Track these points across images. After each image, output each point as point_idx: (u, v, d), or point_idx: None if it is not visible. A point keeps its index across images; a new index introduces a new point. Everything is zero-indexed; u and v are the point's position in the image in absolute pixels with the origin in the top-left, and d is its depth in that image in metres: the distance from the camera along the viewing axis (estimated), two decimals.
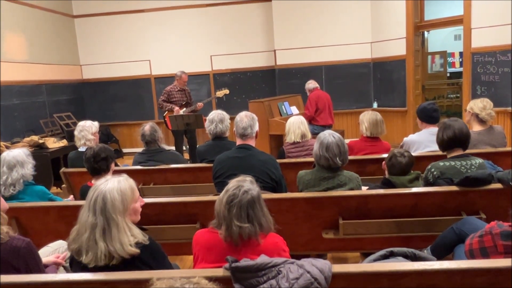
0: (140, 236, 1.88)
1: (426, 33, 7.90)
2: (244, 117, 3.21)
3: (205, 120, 4.09)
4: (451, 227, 2.48)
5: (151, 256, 1.89)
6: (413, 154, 3.20)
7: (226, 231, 1.91)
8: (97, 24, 9.17)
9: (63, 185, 4.18)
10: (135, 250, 1.82)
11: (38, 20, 7.80)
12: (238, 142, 3.23)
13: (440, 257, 2.53)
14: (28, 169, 3.11)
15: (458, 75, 9.40)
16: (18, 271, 2.06)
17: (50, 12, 8.24)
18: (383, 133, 4.05)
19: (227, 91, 7.38)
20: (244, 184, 1.96)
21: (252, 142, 3.21)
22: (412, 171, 2.97)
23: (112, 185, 1.88)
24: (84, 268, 1.85)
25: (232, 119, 3.61)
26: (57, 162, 6.24)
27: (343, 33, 8.49)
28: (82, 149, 4.08)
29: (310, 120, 6.59)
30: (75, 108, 8.67)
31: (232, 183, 1.98)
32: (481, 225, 2.34)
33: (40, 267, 2.15)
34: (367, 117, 4.01)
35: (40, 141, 6.21)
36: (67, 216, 2.93)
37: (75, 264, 1.93)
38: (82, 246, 1.82)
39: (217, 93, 7.44)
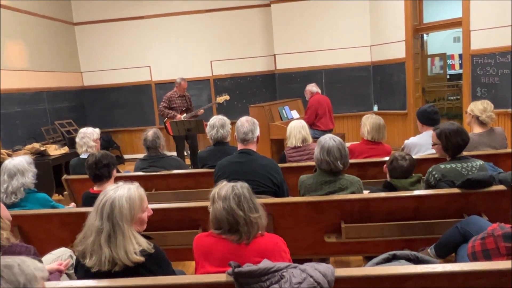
0: (145, 244, 1.88)
1: (425, 35, 7.92)
2: (245, 122, 3.22)
3: (206, 125, 4.10)
4: (455, 226, 2.48)
5: (155, 264, 1.90)
6: (414, 156, 3.20)
7: (244, 227, 1.94)
8: (97, 31, 9.21)
9: (65, 192, 4.19)
10: (139, 258, 1.82)
11: (38, 28, 7.84)
12: (239, 147, 3.24)
13: (443, 256, 2.53)
14: (29, 178, 3.11)
15: (458, 77, 9.41)
16: None
17: (50, 20, 8.28)
18: (383, 139, 4.04)
19: (227, 97, 7.39)
20: (232, 184, 2.04)
21: (253, 147, 3.22)
22: (413, 174, 2.98)
23: (122, 192, 1.88)
24: (87, 272, 1.86)
25: (233, 124, 3.62)
26: (59, 169, 6.25)
27: (342, 37, 8.52)
28: (83, 156, 4.09)
29: (311, 125, 6.59)
30: (76, 115, 8.69)
31: (224, 190, 2.01)
32: (485, 224, 2.34)
33: None
34: (370, 121, 3.99)
35: (42, 149, 6.22)
36: (69, 223, 2.94)
37: (80, 268, 1.93)
38: (87, 249, 1.83)
39: (217, 98, 7.46)
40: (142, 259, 1.83)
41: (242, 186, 2.02)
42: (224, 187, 2.03)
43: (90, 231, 1.85)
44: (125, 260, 1.80)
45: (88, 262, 1.83)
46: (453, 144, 2.92)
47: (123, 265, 1.81)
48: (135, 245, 1.84)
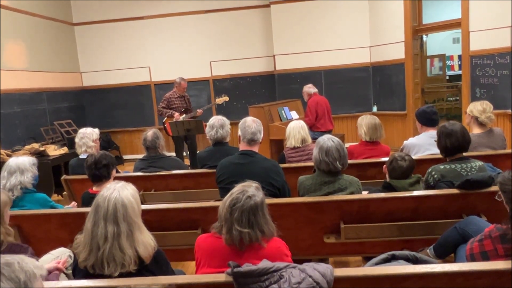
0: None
1: (424, 36, 7.93)
2: (252, 123, 3.16)
3: (205, 125, 4.09)
4: (454, 227, 2.48)
5: (155, 264, 1.91)
6: (413, 157, 3.20)
7: (227, 234, 1.92)
8: (96, 31, 9.21)
9: (64, 193, 4.18)
10: (153, 250, 1.89)
11: (38, 28, 7.84)
12: (242, 147, 3.18)
13: (442, 256, 2.53)
14: (28, 177, 3.13)
15: (457, 78, 9.42)
16: None
17: (50, 20, 8.27)
18: (382, 137, 4.05)
19: (226, 98, 7.38)
20: (249, 189, 1.97)
21: (257, 148, 3.18)
22: (412, 175, 2.98)
23: (123, 191, 1.90)
24: (87, 275, 1.85)
25: (232, 124, 3.61)
26: (58, 169, 6.25)
27: (341, 37, 8.52)
28: (83, 156, 4.08)
29: (311, 127, 6.59)
30: (76, 116, 8.69)
31: (238, 187, 1.99)
32: (484, 225, 2.34)
33: None
34: (365, 122, 4.01)
35: (41, 149, 6.22)
36: (68, 223, 2.94)
37: (78, 271, 1.92)
38: (102, 259, 1.81)
39: (217, 99, 7.45)
40: (155, 249, 1.90)
41: (250, 197, 1.92)
42: (240, 186, 1.99)
43: (102, 240, 1.81)
44: (144, 253, 1.84)
45: (107, 271, 1.81)
46: (445, 144, 2.93)
47: (138, 262, 1.84)
48: (150, 234, 1.91)
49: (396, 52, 7.79)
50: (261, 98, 8.97)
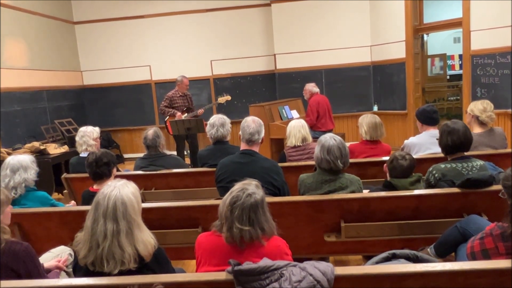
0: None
1: (425, 36, 7.92)
2: (252, 123, 3.17)
3: (206, 124, 4.10)
4: (455, 226, 2.48)
5: (155, 262, 1.91)
6: (414, 156, 3.20)
7: (227, 232, 1.92)
8: (97, 30, 9.21)
9: (65, 191, 4.18)
10: (154, 249, 1.88)
11: (38, 27, 7.84)
12: (243, 146, 3.20)
13: (443, 255, 2.53)
14: (31, 174, 3.13)
15: (458, 77, 9.43)
16: (18, 274, 2.07)
17: (50, 19, 8.27)
18: (382, 136, 4.05)
19: (229, 97, 7.37)
20: (249, 187, 1.97)
21: (256, 148, 3.19)
22: (413, 174, 2.98)
23: (124, 189, 1.89)
24: (88, 272, 1.85)
25: (233, 123, 3.61)
26: (59, 168, 6.25)
27: (342, 36, 8.52)
28: (83, 154, 4.09)
29: (312, 126, 6.58)
30: (76, 114, 8.69)
31: (237, 185, 1.99)
32: (484, 224, 2.33)
33: (39, 270, 2.16)
34: (366, 121, 4.02)
35: (41, 147, 6.23)
36: (69, 221, 2.94)
37: (78, 269, 1.92)
38: (102, 256, 1.80)
39: (219, 99, 7.44)
40: (155, 247, 1.89)
41: (250, 195, 1.93)
42: (240, 184, 1.99)
43: (101, 237, 1.81)
44: (144, 251, 1.84)
45: (106, 268, 1.80)
46: (446, 142, 2.93)
47: (138, 260, 1.83)
48: (150, 233, 1.90)
49: (397, 51, 7.79)
50: (261, 97, 8.97)
